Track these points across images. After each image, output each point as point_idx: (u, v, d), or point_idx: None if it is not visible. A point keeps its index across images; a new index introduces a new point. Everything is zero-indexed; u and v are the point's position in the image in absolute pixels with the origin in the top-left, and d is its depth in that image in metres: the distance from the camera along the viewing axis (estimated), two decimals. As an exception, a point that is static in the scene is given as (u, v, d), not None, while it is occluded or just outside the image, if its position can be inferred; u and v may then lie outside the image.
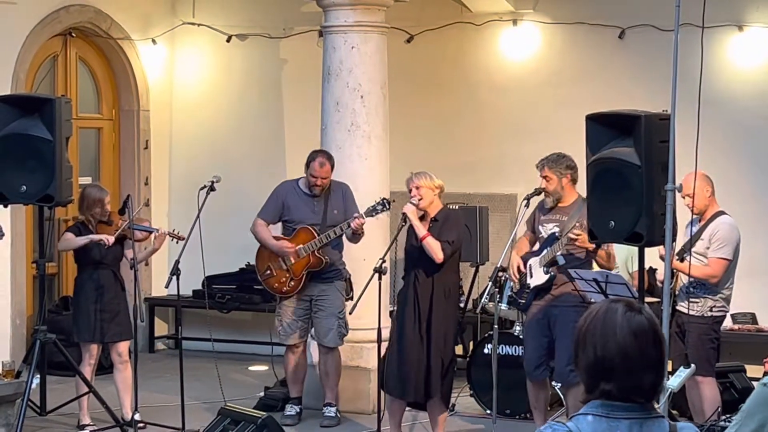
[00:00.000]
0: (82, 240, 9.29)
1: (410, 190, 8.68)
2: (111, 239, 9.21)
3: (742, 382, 9.62)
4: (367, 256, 9.63)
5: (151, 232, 9.61)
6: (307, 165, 9.64)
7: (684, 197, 8.27)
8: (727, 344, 8.95)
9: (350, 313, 9.02)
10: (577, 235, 8.32)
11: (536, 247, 8.80)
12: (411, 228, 8.63)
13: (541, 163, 8.77)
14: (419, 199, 8.61)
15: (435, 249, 8.48)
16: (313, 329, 9.76)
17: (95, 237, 9.26)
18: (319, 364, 9.80)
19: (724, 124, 10.66)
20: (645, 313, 3.15)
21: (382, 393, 8.72)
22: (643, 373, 3.11)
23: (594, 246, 8.29)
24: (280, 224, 9.91)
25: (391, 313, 9.30)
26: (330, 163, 9.61)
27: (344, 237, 9.57)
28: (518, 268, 8.79)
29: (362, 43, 10.08)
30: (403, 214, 8.60)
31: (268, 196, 9.90)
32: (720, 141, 10.53)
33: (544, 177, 8.73)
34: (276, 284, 9.73)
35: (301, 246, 9.57)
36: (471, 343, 11.18)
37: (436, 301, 8.52)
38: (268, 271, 9.74)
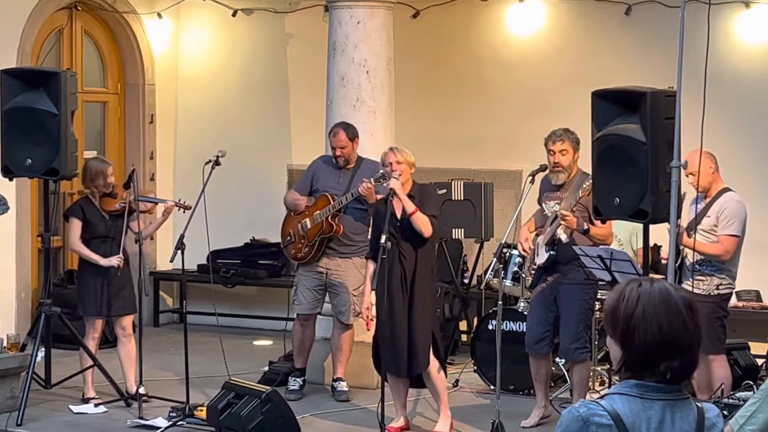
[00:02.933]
0: (92, 256, 9.29)
1: (389, 165, 8.52)
2: (121, 263, 9.24)
3: (746, 359, 9.63)
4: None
5: (157, 203, 9.64)
6: (329, 137, 9.76)
7: (688, 175, 8.27)
8: (731, 321, 8.94)
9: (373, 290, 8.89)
10: (564, 216, 8.32)
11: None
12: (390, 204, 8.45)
13: (559, 137, 8.65)
14: (399, 174, 8.47)
15: (424, 223, 8.40)
16: (329, 304, 9.81)
17: (103, 261, 9.27)
18: (333, 338, 9.82)
19: (730, 101, 10.64)
20: (686, 290, 3.19)
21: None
22: (698, 348, 3.14)
23: (577, 227, 8.31)
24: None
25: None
26: (346, 133, 9.64)
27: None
28: (528, 247, 8.78)
29: (368, 18, 10.06)
30: (391, 189, 8.44)
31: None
32: (726, 118, 10.51)
33: (562, 150, 8.63)
34: (293, 250, 9.85)
35: (317, 212, 9.62)
36: (475, 319, 11.19)
37: (419, 276, 8.46)
38: (289, 237, 9.86)
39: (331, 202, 9.61)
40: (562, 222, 8.38)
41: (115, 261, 9.25)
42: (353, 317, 9.73)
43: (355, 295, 9.64)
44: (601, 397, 3.16)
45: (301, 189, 9.92)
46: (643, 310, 3.11)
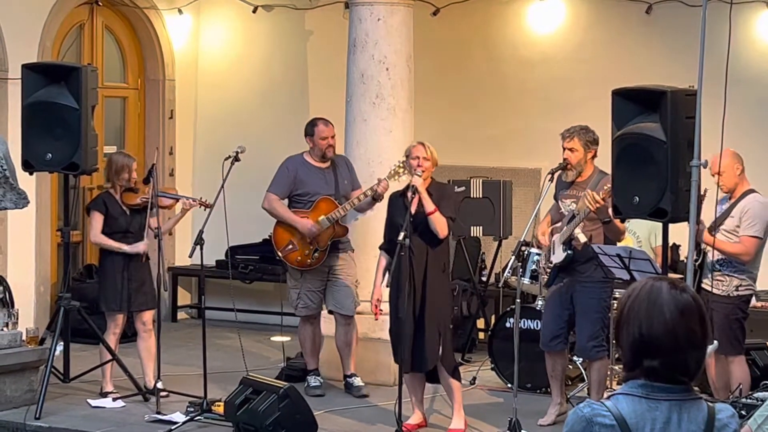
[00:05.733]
0: (117, 245, 9.31)
1: (415, 159, 8.49)
2: (145, 249, 9.28)
3: (764, 360, 9.60)
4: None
5: (178, 199, 9.66)
6: (311, 133, 9.67)
7: (714, 175, 8.26)
8: (749, 321, 8.91)
9: (387, 286, 8.87)
10: (595, 201, 8.23)
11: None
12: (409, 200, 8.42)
13: (570, 134, 8.64)
14: (423, 171, 8.46)
15: (441, 225, 8.37)
16: (328, 299, 9.79)
17: (129, 248, 9.30)
18: (338, 335, 9.80)
19: (751, 100, 10.61)
20: (689, 291, 3.15)
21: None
22: (689, 352, 3.11)
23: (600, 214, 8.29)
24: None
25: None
26: (331, 124, 9.68)
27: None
28: (544, 241, 8.78)
29: (388, 15, 10.06)
30: (413, 186, 8.41)
31: (277, 172, 9.86)
32: (747, 118, 10.47)
33: (570, 148, 8.63)
34: (299, 257, 9.71)
35: (323, 216, 9.58)
36: (493, 317, 11.19)
37: (430, 274, 8.44)
38: (290, 246, 9.70)
39: (338, 206, 9.57)
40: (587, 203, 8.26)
41: (141, 247, 9.28)
42: (355, 308, 9.73)
43: (355, 287, 9.67)
44: (608, 398, 3.17)
45: (282, 191, 9.75)
46: (629, 309, 3.14)
